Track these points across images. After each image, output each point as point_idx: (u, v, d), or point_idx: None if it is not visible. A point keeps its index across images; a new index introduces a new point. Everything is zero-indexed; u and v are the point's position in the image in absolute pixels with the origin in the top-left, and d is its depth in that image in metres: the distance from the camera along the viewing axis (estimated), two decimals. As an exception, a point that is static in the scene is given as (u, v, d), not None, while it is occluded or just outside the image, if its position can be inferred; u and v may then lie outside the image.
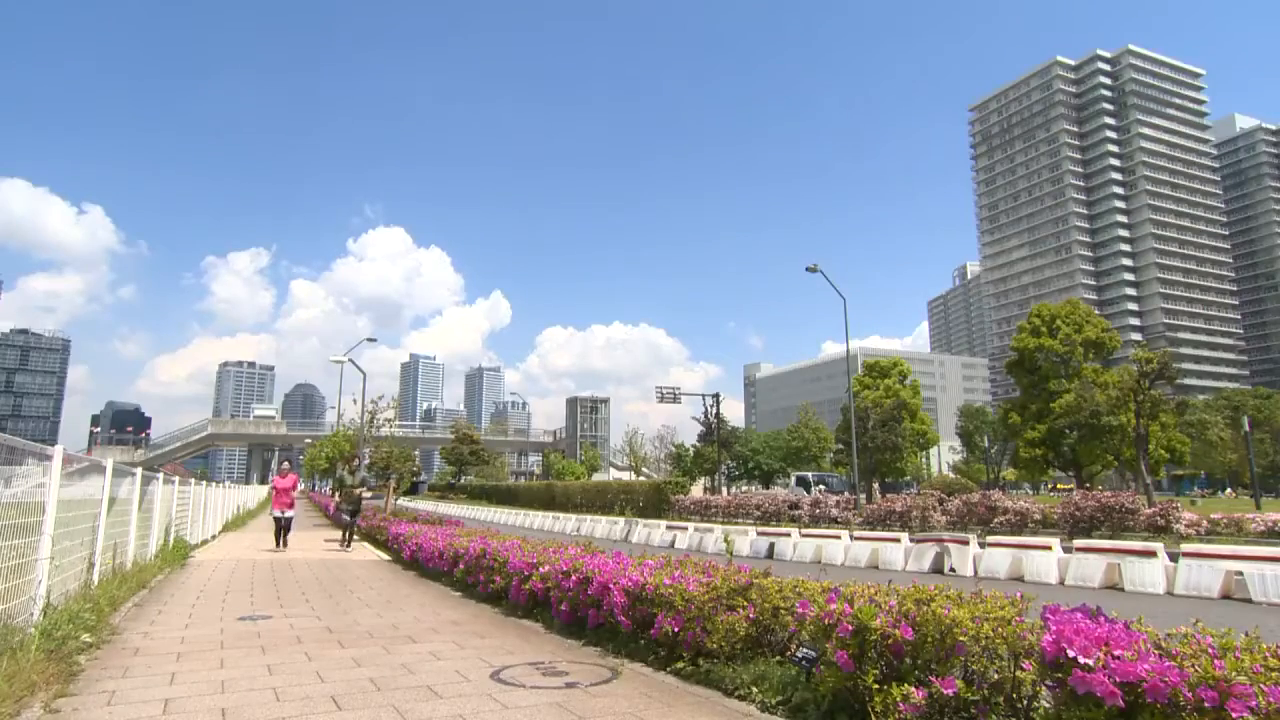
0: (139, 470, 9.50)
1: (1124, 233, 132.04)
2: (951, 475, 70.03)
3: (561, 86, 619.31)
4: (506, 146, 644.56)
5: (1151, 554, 10.61)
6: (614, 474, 76.77)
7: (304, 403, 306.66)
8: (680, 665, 4.33)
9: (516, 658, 4.90)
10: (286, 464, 16.56)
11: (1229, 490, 73.67)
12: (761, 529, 18.42)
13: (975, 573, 11.98)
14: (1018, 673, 2.78)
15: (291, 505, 15.11)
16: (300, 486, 15.99)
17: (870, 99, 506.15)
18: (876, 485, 52.69)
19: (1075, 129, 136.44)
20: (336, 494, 16.10)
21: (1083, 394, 46.89)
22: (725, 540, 9.20)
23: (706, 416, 60.63)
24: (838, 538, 15.33)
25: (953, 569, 12.52)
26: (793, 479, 55.95)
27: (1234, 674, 2.17)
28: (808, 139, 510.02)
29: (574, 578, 5.62)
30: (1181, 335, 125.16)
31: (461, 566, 8.48)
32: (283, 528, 14.93)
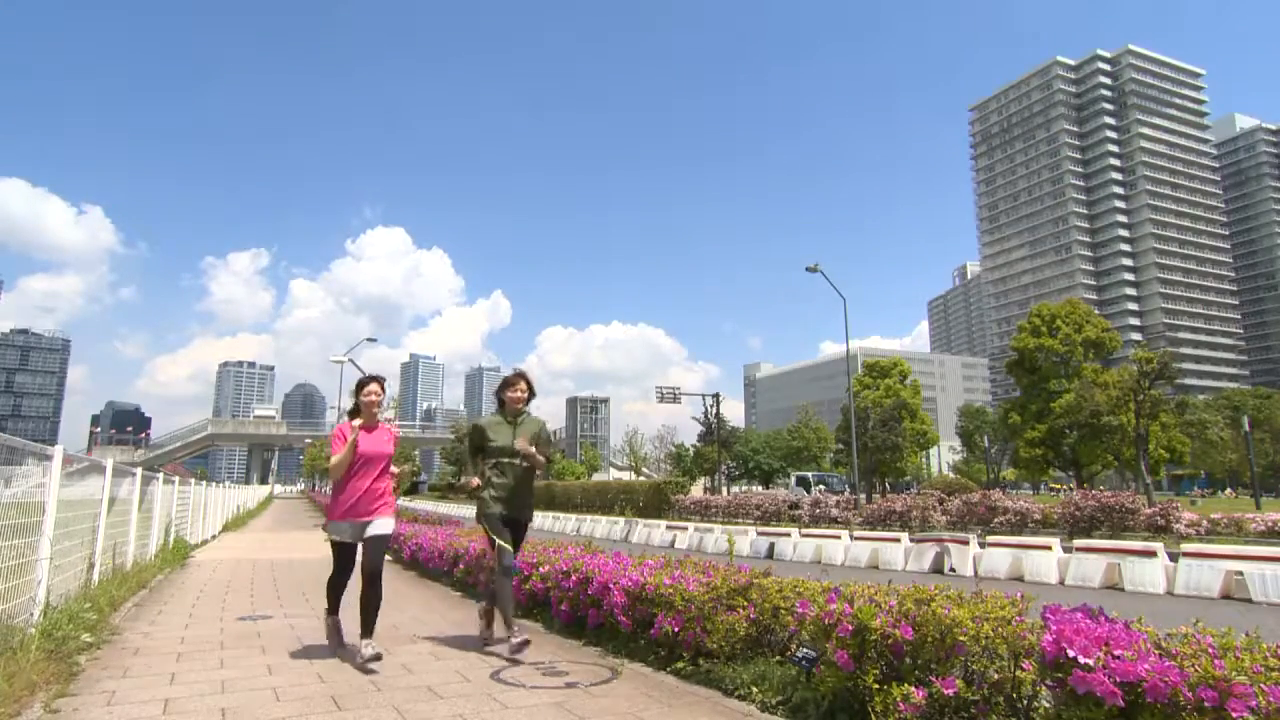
0: (139, 470, 9.49)
1: (1124, 233, 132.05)
2: (951, 475, 70.00)
3: (563, 91, 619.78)
4: (508, 149, 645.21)
5: (1151, 554, 10.61)
6: (614, 474, 76.78)
7: (304, 403, 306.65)
8: (680, 665, 4.32)
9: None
10: (375, 387, 4.96)
11: (1229, 490, 73.71)
12: (761, 529, 18.42)
13: (975, 573, 11.97)
14: (1018, 672, 2.78)
15: (388, 507, 4.92)
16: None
17: (870, 99, 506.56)
18: (885, 485, 52.66)
19: (1075, 129, 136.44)
20: (472, 474, 5.22)
21: (1083, 394, 46.90)
22: (728, 540, 9.21)
23: (706, 416, 60.67)
24: (838, 538, 15.33)
25: (953, 569, 12.52)
26: (793, 479, 55.93)
27: (1234, 674, 2.17)
28: (807, 139, 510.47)
29: (574, 578, 5.62)
30: (1181, 335, 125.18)
31: (461, 566, 8.48)
32: (346, 568, 4.95)
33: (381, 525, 4.78)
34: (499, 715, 3.60)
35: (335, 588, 5.00)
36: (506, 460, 5.00)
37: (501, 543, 4.90)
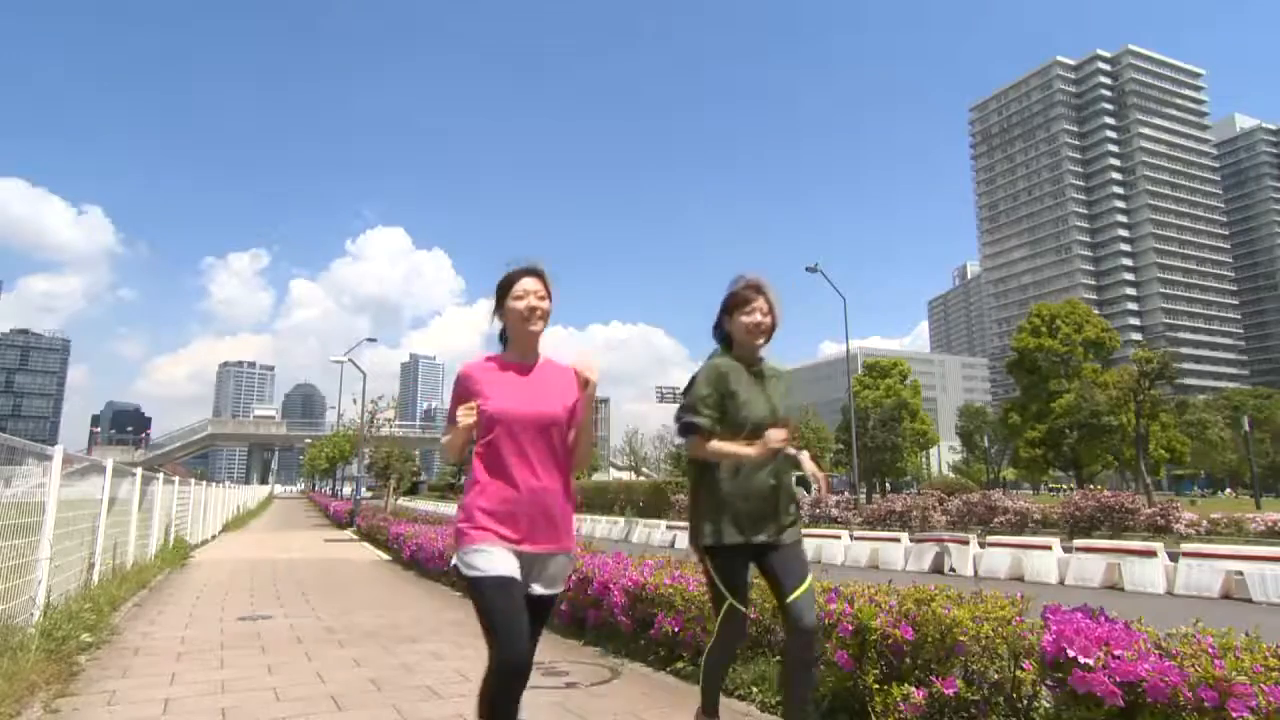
0: (139, 470, 9.50)
1: (1124, 233, 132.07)
2: (951, 475, 70.02)
3: (564, 93, 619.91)
4: (509, 150, 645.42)
5: (1151, 554, 10.61)
6: (614, 474, 76.79)
7: (304, 403, 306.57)
8: (680, 665, 4.33)
9: (516, 658, 4.90)
10: (532, 285, 2.38)
11: (1229, 490, 73.77)
12: (761, 529, 18.40)
13: (975, 573, 11.98)
14: (1018, 673, 2.79)
15: (569, 533, 2.39)
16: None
17: (870, 99, 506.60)
18: (885, 486, 52.61)
19: (1075, 129, 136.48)
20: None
21: (1083, 394, 46.97)
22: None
23: (706, 416, 60.63)
24: (838, 538, 15.34)
25: (953, 569, 12.52)
26: (793, 479, 55.87)
27: (1234, 674, 2.17)
28: (807, 139, 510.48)
29: (574, 577, 5.62)
30: (1181, 335, 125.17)
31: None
32: (519, 641, 2.14)
33: (561, 568, 2.36)
34: (499, 715, 3.59)
35: (504, 693, 2.18)
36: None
37: (734, 603, 2.66)
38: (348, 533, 21.37)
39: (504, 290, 2.40)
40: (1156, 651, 2.37)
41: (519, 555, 2.23)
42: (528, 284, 2.38)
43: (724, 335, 2.92)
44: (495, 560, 2.18)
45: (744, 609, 2.70)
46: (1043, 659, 2.56)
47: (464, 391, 2.35)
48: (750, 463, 2.65)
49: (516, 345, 2.43)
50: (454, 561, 2.25)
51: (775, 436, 2.63)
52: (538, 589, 2.28)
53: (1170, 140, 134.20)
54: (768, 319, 2.81)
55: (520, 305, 2.35)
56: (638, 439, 79.34)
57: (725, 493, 2.68)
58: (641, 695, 3.95)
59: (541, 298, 2.38)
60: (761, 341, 2.85)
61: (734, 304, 2.85)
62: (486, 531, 2.22)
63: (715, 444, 2.66)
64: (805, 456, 2.76)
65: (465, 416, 2.26)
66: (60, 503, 5.16)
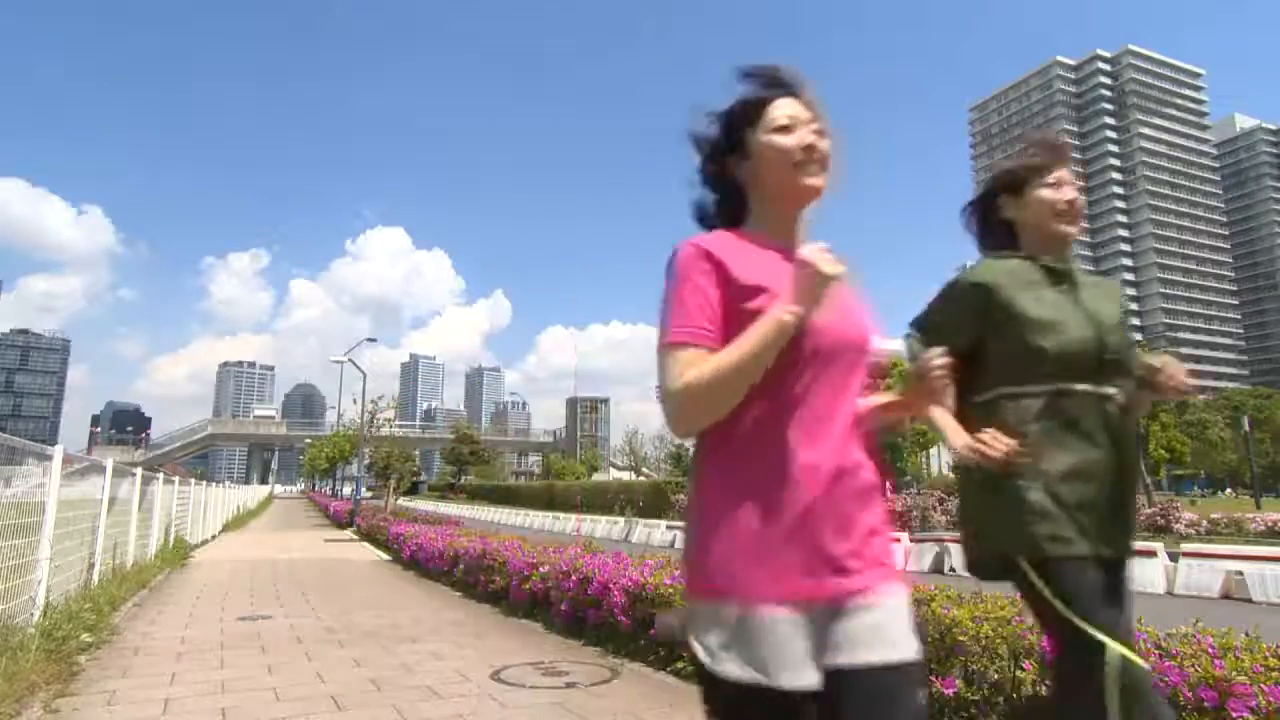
0: (139, 470, 9.51)
1: (1124, 233, 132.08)
2: (951, 475, 69.97)
3: (565, 94, 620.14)
4: (509, 150, 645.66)
5: (1151, 554, 10.60)
6: (614, 474, 76.80)
7: (304, 403, 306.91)
8: (680, 665, 4.33)
9: (516, 657, 4.90)
10: (791, 113, 1.27)
11: (1229, 490, 73.74)
12: (761, 529, 18.41)
13: (975, 573, 11.98)
14: (1018, 673, 2.78)
15: (889, 553, 1.16)
16: None
17: (870, 99, 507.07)
18: (886, 486, 52.48)
19: (1075, 129, 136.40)
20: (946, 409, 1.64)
21: (1083, 394, 46.80)
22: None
23: (706, 416, 60.52)
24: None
25: (953, 569, 12.51)
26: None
27: (1234, 674, 2.17)
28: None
29: (574, 578, 5.62)
30: (1181, 335, 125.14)
31: (461, 566, 8.48)
32: None
33: (896, 612, 1.11)
34: (499, 715, 3.60)
35: None
36: (1087, 388, 1.60)
37: (1117, 646, 1.40)
38: (348, 533, 21.36)
39: (747, 117, 1.31)
40: (1156, 651, 2.38)
41: (816, 615, 1.08)
42: (791, 109, 1.28)
43: (990, 240, 1.90)
44: (769, 649, 1.03)
45: (1139, 660, 1.44)
46: (1043, 659, 2.56)
47: (712, 275, 1.17)
48: (959, 451, 1.61)
49: (775, 217, 1.30)
50: (675, 621, 1.12)
51: (999, 444, 1.54)
52: (862, 657, 1.07)
53: (1170, 140, 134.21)
54: (1078, 203, 1.80)
55: (788, 142, 1.26)
56: (638, 439, 79.39)
57: (1044, 471, 1.53)
58: (641, 695, 3.95)
59: (819, 133, 1.27)
60: (1075, 231, 1.80)
61: (1023, 176, 1.81)
62: (756, 580, 1.06)
63: (936, 411, 1.67)
64: (1164, 358, 1.71)
65: (831, 265, 1.10)
66: (60, 503, 5.16)
